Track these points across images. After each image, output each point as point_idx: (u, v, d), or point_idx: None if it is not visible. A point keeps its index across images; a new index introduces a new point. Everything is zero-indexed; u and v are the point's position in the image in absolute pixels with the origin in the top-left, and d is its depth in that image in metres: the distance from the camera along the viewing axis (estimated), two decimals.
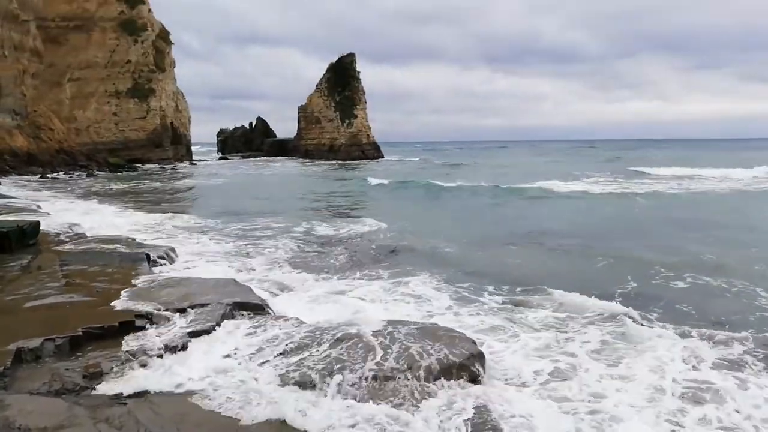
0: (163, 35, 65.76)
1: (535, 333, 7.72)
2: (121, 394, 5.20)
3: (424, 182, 31.56)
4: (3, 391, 5.08)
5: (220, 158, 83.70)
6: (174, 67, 69.40)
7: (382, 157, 78.90)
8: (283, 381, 5.59)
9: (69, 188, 31.23)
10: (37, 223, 12.08)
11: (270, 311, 7.89)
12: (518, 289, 9.74)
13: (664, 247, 13.13)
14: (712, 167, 41.79)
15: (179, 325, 6.95)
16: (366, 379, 5.63)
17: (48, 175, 40.86)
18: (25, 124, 47.21)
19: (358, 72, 79.71)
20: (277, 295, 8.83)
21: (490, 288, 9.82)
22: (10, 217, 13.98)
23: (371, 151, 78.87)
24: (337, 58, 79.94)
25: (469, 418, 5.03)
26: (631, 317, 8.12)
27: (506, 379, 6.29)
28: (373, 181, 34.88)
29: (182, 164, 61.49)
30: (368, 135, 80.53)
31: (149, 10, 62.84)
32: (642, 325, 7.95)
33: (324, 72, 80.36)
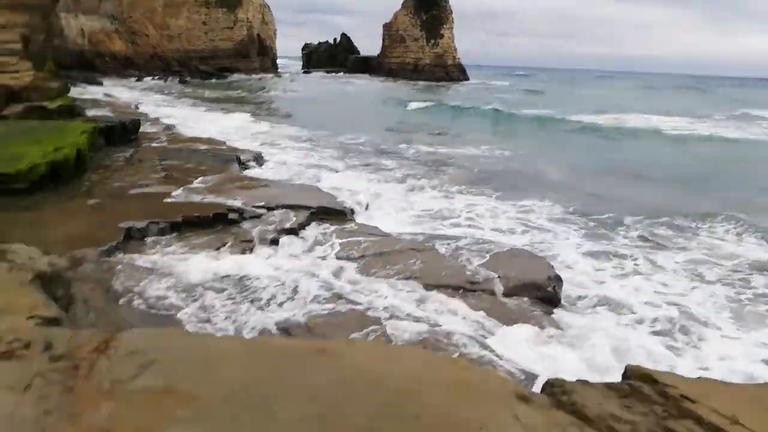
0: None
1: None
2: (210, 271, 5.65)
3: (507, 112, 30.19)
4: (115, 261, 5.66)
5: (304, 72, 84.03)
6: None
7: (467, 79, 76.33)
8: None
9: (164, 91, 32.67)
10: (138, 120, 12.85)
11: (353, 218, 8.14)
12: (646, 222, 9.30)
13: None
14: None
15: (268, 221, 7.34)
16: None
17: (144, 78, 42.82)
18: (122, 29, 49.12)
19: None
20: (362, 204, 9.02)
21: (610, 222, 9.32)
22: (113, 114, 14.90)
23: (456, 72, 76.37)
24: None
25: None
26: None
27: None
28: (454, 102, 33.89)
29: (268, 75, 62.37)
30: (454, 56, 77.72)
31: None
32: None
33: None
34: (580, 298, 6.29)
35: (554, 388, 2.32)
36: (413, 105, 31.74)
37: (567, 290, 6.31)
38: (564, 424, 2.04)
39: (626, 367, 2.44)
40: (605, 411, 2.11)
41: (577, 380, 2.40)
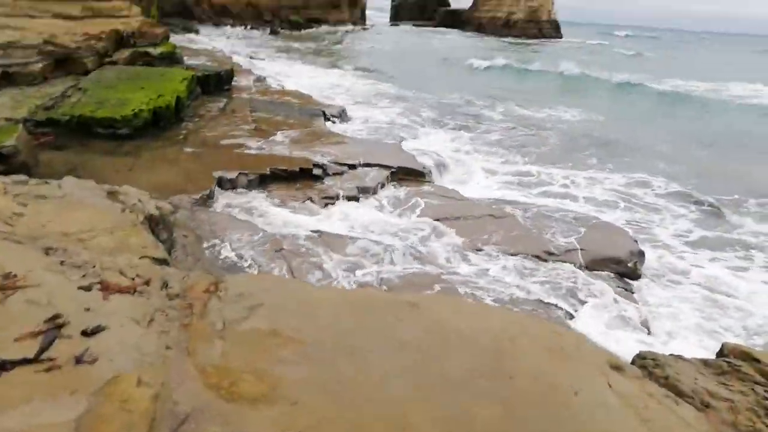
0: None
1: None
2: (298, 225, 5.93)
3: (598, 76, 28.31)
4: (208, 209, 6.05)
5: (392, 24, 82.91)
6: None
7: (561, 38, 72.50)
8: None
9: (257, 41, 33.47)
10: (232, 70, 13.32)
11: (431, 179, 8.18)
12: None
13: None
14: None
15: (350, 179, 7.53)
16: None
17: (237, 27, 43.98)
18: None
19: None
20: (445, 166, 9.04)
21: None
22: (209, 63, 15.51)
23: (549, 30, 72.56)
24: None
25: None
26: None
27: None
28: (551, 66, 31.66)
29: (356, 27, 62.15)
30: (549, 11, 73.70)
31: None
32: None
33: None
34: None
35: (646, 360, 2.31)
36: (498, 61, 30.61)
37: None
38: (658, 396, 2.05)
39: (723, 344, 2.38)
40: (700, 386, 2.09)
41: (671, 354, 2.37)
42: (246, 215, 6.04)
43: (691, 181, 9.64)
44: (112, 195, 3.74)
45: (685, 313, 5.20)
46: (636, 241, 6.46)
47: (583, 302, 5.04)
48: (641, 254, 6.12)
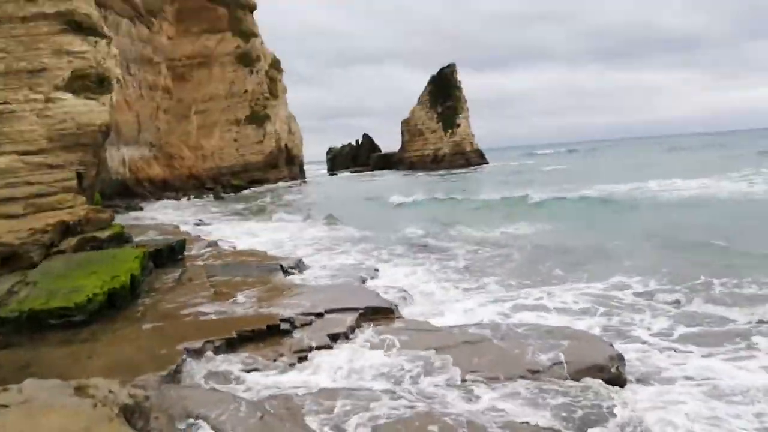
0: (275, 64, 70.05)
1: None
2: (275, 386, 5.66)
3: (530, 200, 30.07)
4: (178, 385, 5.72)
5: (330, 174, 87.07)
6: (286, 92, 73.54)
7: (487, 163, 77.87)
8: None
9: (202, 208, 34.12)
10: (184, 240, 13.37)
11: (399, 313, 8.15)
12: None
13: None
14: None
15: (319, 327, 7.39)
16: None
17: (181, 199, 44.92)
18: (160, 155, 52.37)
19: (459, 81, 79.59)
20: (410, 299, 9.08)
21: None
22: (159, 237, 15.56)
23: (475, 158, 78.14)
24: (438, 71, 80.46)
25: None
26: None
27: None
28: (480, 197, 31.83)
29: (296, 182, 64.79)
30: (471, 143, 79.91)
31: (261, 43, 67.25)
32: None
33: (425, 85, 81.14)
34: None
35: None
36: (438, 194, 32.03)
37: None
38: None
39: None
40: None
41: None
42: (219, 385, 5.74)
43: (657, 279, 9.91)
44: (80, 390, 3.52)
45: (688, 414, 5.07)
46: (612, 345, 6.50)
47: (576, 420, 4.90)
48: (621, 358, 6.13)
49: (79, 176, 13.31)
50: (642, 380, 5.98)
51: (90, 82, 14.69)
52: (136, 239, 14.05)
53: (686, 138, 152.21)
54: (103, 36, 15.52)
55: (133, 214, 29.87)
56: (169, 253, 12.37)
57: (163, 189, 48.61)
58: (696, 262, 11.10)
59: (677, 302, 8.69)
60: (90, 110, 13.85)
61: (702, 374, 6.02)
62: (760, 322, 7.56)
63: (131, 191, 43.53)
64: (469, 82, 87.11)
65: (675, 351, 6.83)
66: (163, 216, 27.77)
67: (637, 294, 9.28)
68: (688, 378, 5.95)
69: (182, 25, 59.23)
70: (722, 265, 10.70)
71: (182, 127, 60.42)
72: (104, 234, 12.99)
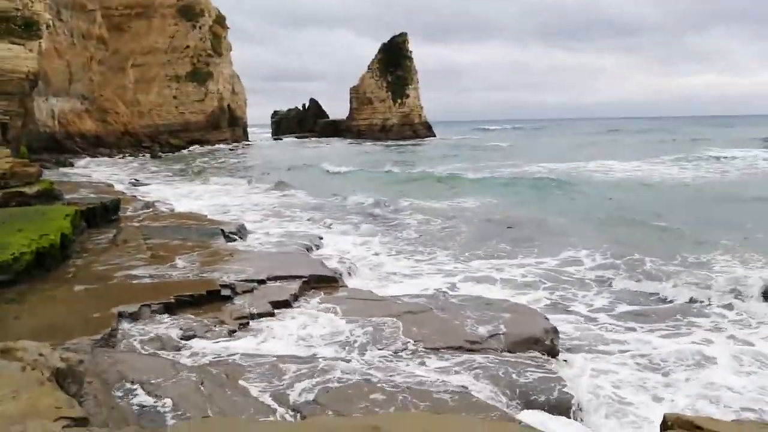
0: (220, 20, 67.09)
1: None
2: (214, 353, 5.56)
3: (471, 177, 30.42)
4: (112, 350, 5.53)
5: (275, 139, 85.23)
6: (230, 51, 70.79)
7: (434, 136, 78.36)
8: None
9: (138, 167, 32.69)
10: (118, 200, 12.80)
11: (343, 283, 8.16)
12: None
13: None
14: None
15: (261, 295, 7.30)
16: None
17: (115, 156, 42.84)
18: (93, 108, 49.50)
19: (410, 52, 79.06)
20: (354, 268, 9.09)
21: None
22: (91, 195, 14.82)
23: (423, 130, 78.48)
24: (389, 39, 79.55)
25: None
26: None
27: None
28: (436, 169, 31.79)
29: (238, 144, 63.08)
30: (420, 115, 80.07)
31: None
32: None
33: (376, 53, 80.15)
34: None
35: None
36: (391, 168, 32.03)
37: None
38: None
39: (664, 416, 2.45)
40: None
41: None
42: (155, 350, 5.58)
43: (597, 255, 10.35)
44: (6, 353, 3.32)
45: (620, 385, 5.38)
46: (547, 318, 6.77)
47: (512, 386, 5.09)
48: (555, 331, 6.39)
49: (3, 126, 12.43)
50: (576, 351, 6.27)
51: (15, 26, 13.63)
52: (67, 197, 13.32)
53: (625, 121, 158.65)
54: None
55: (63, 170, 28.26)
56: (103, 213, 11.82)
57: (96, 145, 46.11)
58: (633, 240, 11.73)
59: (613, 278, 9.12)
60: (15, 56, 12.89)
61: (635, 347, 6.39)
62: (693, 300, 8.01)
63: (61, 146, 41.09)
64: (419, 52, 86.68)
65: (611, 325, 7.21)
66: (97, 173, 26.45)
67: (577, 269, 9.70)
68: (621, 351, 6.29)
69: None
70: (656, 242, 11.43)
71: (118, 80, 57.23)
72: (32, 189, 12.24)
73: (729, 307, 7.66)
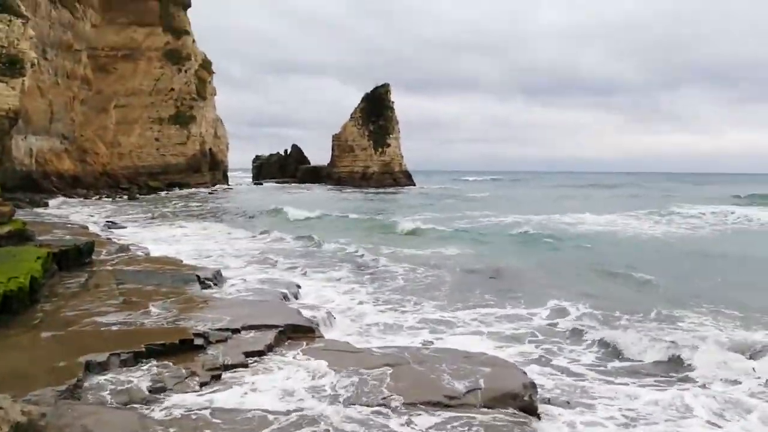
0: (206, 65, 68.09)
1: None
2: (185, 407, 5.37)
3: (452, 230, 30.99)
4: (77, 402, 5.31)
5: (255, 183, 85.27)
6: (215, 95, 71.59)
7: (414, 185, 79.20)
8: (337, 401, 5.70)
9: (115, 209, 32.24)
10: (92, 242, 12.56)
11: (320, 333, 8.03)
12: None
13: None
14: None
15: (235, 345, 7.13)
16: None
17: (92, 197, 42.30)
18: (73, 148, 49.17)
19: (392, 102, 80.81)
20: (331, 319, 8.98)
21: None
22: (66, 236, 14.53)
23: (403, 179, 79.36)
24: (372, 89, 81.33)
25: None
26: None
27: None
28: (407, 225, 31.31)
29: (218, 188, 62.88)
30: (400, 163, 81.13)
31: (193, 41, 65.27)
32: None
33: (359, 102, 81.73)
34: None
35: None
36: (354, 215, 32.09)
37: None
38: None
39: None
40: None
41: None
42: (123, 403, 5.37)
43: (585, 307, 10.39)
44: None
45: None
46: (525, 373, 6.71)
47: None
48: (533, 386, 6.33)
49: None
50: (557, 407, 6.21)
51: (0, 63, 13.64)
52: (40, 238, 13.05)
53: (600, 175, 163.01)
54: (18, 15, 14.49)
55: (38, 210, 27.79)
56: (76, 256, 11.57)
57: (73, 185, 45.61)
58: (609, 292, 11.91)
59: (592, 330, 9.14)
60: None
61: (618, 403, 6.34)
62: (671, 358, 8.04)
63: (37, 185, 40.54)
64: (401, 103, 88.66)
65: (592, 379, 7.18)
66: (73, 215, 26.02)
67: (560, 320, 9.73)
68: (605, 406, 6.24)
69: (108, 14, 56.39)
70: (633, 295, 11.65)
71: (100, 120, 57.21)
72: (3, 229, 11.98)
73: (701, 363, 7.71)
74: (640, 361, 8.01)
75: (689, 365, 7.63)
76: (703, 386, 6.92)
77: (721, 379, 7.14)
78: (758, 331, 8.86)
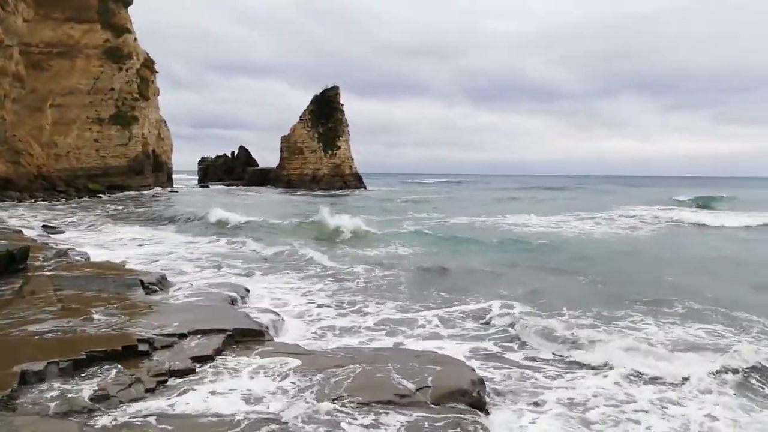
0: (148, 64, 66.02)
1: None
2: (130, 415, 5.22)
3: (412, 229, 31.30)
4: (12, 413, 5.06)
5: (201, 186, 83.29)
6: (158, 95, 69.51)
7: (364, 188, 79.37)
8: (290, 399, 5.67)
9: (50, 213, 30.77)
10: (27, 248, 11.96)
11: (270, 337, 7.95)
12: None
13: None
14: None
15: (181, 350, 6.97)
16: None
17: (26, 201, 40.25)
18: (4, 149, 46.61)
19: (342, 104, 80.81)
20: (280, 322, 8.90)
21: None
22: None
23: (353, 181, 79.43)
24: (321, 91, 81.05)
25: None
26: None
27: None
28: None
29: (162, 191, 61.08)
30: (351, 166, 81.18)
31: (135, 39, 63.16)
32: None
33: (308, 104, 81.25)
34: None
35: None
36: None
37: None
38: None
39: None
40: None
41: None
42: (62, 413, 5.16)
43: (528, 304, 10.75)
44: None
45: None
46: (474, 370, 6.87)
47: None
48: (482, 382, 6.49)
49: None
50: (505, 403, 6.38)
51: None
52: None
53: (542, 178, 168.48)
54: None
55: None
56: (8, 262, 10.98)
57: (4, 188, 43.25)
58: (554, 288, 12.31)
59: (535, 326, 9.43)
60: None
61: (566, 397, 6.57)
62: (593, 350, 8.41)
63: None
64: (351, 106, 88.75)
65: (542, 375, 7.40)
66: (4, 219, 24.66)
67: (505, 316, 9.97)
68: (555, 402, 6.45)
69: (43, 9, 53.83)
70: (575, 292, 12.12)
71: (34, 120, 54.53)
72: None
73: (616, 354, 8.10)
74: (577, 350, 8.34)
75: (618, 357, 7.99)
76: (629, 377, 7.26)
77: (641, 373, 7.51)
78: (690, 328, 9.37)
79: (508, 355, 8.18)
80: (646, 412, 6.21)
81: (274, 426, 5.08)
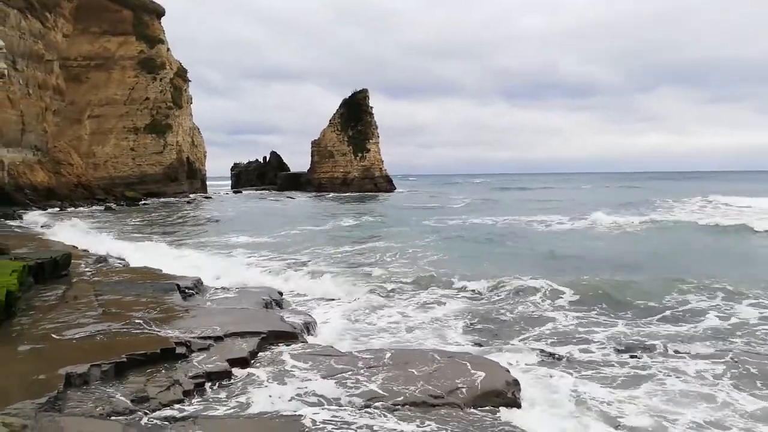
0: (181, 73, 67.58)
1: None
2: (169, 417, 5.33)
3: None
4: (58, 414, 5.23)
5: (234, 192, 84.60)
6: (191, 103, 71.05)
7: (394, 189, 79.41)
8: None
9: (91, 220, 31.73)
10: (69, 254, 12.36)
11: (304, 339, 8.03)
12: None
13: None
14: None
15: (218, 352, 7.09)
16: None
17: (67, 209, 41.60)
18: (46, 160, 48.31)
19: (371, 107, 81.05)
20: (314, 324, 8.98)
21: None
22: (41, 249, 14.27)
23: (383, 183, 79.54)
24: (350, 95, 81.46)
25: None
26: None
27: None
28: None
29: (197, 197, 62.29)
30: (381, 168, 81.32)
31: (168, 50, 64.75)
32: None
33: (337, 107, 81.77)
34: None
35: None
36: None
37: None
38: None
39: None
40: None
41: None
42: (105, 413, 5.31)
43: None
44: None
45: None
46: (508, 371, 6.80)
47: None
48: (516, 383, 6.42)
49: None
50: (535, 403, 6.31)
51: None
52: (14, 251, 12.82)
53: (578, 176, 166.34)
54: None
55: (11, 223, 27.23)
56: (52, 268, 11.37)
57: (47, 197, 44.79)
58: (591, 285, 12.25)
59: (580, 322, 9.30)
60: None
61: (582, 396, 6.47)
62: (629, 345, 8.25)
63: (10, 198, 39.76)
64: (381, 108, 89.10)
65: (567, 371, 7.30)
66: (47, 227, 25.50)
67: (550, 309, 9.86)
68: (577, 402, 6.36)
69: (81, 24, 55.66)
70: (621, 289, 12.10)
71: (73, 131, 56.42)
72: None
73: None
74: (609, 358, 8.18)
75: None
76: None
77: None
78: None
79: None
80: None
81: (309, 425, 5.12)
